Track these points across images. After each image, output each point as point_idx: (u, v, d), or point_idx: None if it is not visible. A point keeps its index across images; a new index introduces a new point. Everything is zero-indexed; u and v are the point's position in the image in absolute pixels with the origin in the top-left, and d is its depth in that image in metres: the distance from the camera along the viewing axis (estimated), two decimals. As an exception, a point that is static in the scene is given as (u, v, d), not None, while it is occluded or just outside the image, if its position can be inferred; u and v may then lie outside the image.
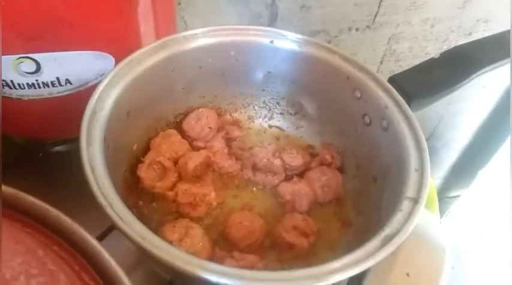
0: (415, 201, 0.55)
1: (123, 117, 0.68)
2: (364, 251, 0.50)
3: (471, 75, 0.72)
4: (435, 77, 0.74)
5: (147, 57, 0.70)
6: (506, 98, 1.53)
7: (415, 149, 0.63)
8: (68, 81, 0.70)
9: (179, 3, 1.02)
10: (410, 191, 0.57)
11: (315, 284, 0.45)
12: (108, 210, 0.48)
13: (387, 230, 0.52)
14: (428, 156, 0.61)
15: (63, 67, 0.68)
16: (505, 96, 1.54)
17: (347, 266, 0.47)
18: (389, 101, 0.70)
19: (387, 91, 0.71)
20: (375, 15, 1.22)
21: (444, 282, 0.77)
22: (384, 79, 0.73)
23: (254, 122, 0.89)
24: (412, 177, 0.59)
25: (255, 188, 0.77)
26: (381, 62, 1.44)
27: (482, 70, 0.77)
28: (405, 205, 0.55)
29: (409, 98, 0.71)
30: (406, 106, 0.69)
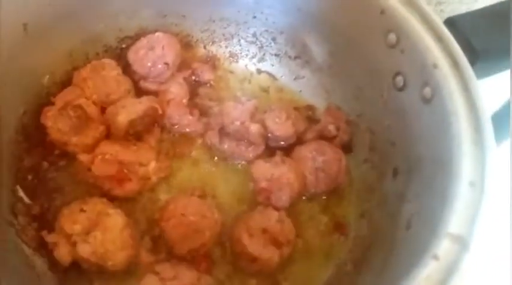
0: (464, 244, 0.32)
1: (15, 31, 0.44)
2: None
3: None
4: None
5: None
6: None
7: (473, 146, 0.38)
8: None
9: None
10: (456, 221, 0.34)
11: None
12: None
13: (406, 296, 0.29)
14: (495, 162, 0.36)
15: None
16: None
17: None
18: (442, 57, 0.44)
19: (440, 40, 0.44)
20: None
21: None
22: (440, 20, 0.46)
23: (238, 62, 0.64)
24: (463, 195, 0.35)
25: (219, 162, 0.54)
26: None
27: None
28: (445, 247, 0.32)
29: (475, 55, 0.45)
30: (469, 68, 0.43)
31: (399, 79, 0.49)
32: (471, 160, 0.37)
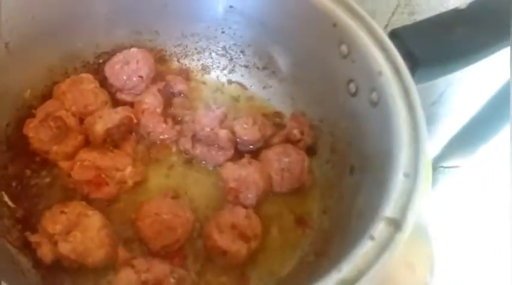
0: (396, 225, 0.37)
1: (-3, 49, 0.47)
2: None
3: (509, 36, 0.50)
4: (457, 36, 0.52)
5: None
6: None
7: (409, 142, 0.43)
8: None
9: None
10: (391, 207, 0.38)
11: None
12: None
13: (345, 271, 0.34)
14: (427, 157, 0.41)
15: None
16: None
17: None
18: (386, 65, 0.49)
19: (384, 50, 0.50)
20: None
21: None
22: (383, 32, 0.51)
23: (210, 74, 0.68)
24: (399, 185, 0.40)
25: (191, 166, 0.58)
26: (393, 14, 1.20)
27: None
28: (380, 229, 0.37)
29: (415, 63, 0.50)
30: (408, 75, 0.48)
31: (352, 86, 0.54)
32: (408, 154, 0.42)
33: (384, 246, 0.35)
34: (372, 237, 0.36)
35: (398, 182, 0.40)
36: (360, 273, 0.34)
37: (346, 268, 0.34)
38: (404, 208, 0.38)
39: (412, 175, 0.40)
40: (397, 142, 0.44)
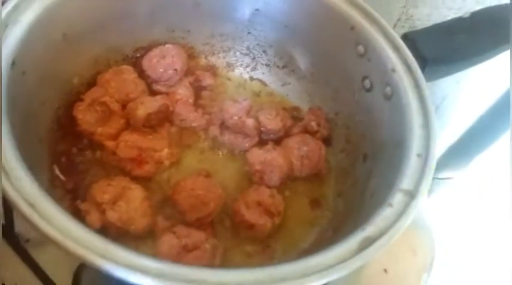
0: (412, 195, 0.43)
1: (56, 39, 0.53)
2: (335, 254, 0.37)
3: (506, 43, 0.57)
4: (460, 40, 0.58)
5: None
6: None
7: (421, 128, 0.49)
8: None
9: None
10: (406, 181, 0.44)
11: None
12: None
13: (368, 230, 0.40)
14: (436, 139, 0.47)
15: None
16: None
17: (307, 273, 0.35)
18: (399, 63, 0.55)
19: (397, 50, 0.56)
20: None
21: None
22: (397, 35, 0.58)
23: (234, 71, 0.74)
24: (412, 164, 0.46)
25: (220, 151, 0.64)
26: (394, 26, 1.28)
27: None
28: (398, 198, 0.43)
29: (424, 62, 0.57)
30: (419, 71, 0.54)
31: (367, 82, 0.60)
32: (419, 138, 0.48)
33: (401, 212, 0.41)
34: (390, 205, 0.42)
35: (411, 161, 0.46)
36: (381, 233, 0.39)
37: (369, 228, 0.40)
38: (418, 181, 0.44)
39: (424, 155, 0.46)
40: (410, 130, 0.50)
